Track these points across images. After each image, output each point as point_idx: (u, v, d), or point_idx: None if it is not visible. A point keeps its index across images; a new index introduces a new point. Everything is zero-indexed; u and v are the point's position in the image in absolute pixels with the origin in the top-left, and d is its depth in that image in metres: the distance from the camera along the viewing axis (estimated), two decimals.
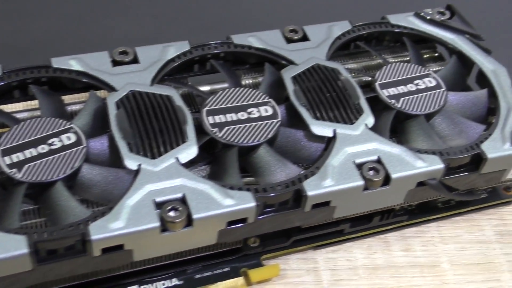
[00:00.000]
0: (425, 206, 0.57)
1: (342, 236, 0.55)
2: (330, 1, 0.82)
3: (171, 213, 0.44)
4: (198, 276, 0.50)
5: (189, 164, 0.49)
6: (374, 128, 0.52)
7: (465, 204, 0.58)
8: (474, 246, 0.56)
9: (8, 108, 0.52)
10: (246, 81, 0.58)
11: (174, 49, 0.55)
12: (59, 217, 0.44)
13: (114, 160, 0.48)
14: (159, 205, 0.44)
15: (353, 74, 0.58)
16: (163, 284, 0.50)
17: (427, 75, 0.56)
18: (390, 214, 0.55)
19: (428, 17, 0.62)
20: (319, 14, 0.76)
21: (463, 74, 0.60)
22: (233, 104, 0.51)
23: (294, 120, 0.52)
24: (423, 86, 0.55)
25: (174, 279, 0.50)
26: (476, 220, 0.58)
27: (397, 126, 0.54)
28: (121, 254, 0.44)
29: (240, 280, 0.51)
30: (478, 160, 0.52)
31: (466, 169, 0.52)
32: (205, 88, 0.57)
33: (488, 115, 0.57)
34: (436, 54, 0.63)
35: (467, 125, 0.55)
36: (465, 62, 0.60)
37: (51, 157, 0.46)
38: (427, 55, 0.63)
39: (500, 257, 0.55)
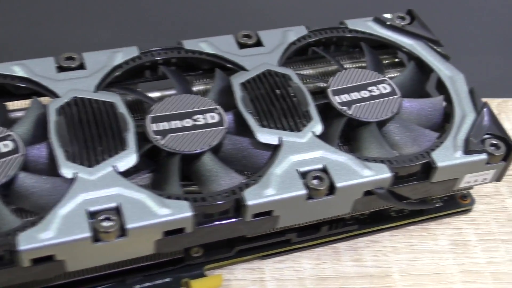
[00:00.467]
0: (378, 215, 0.56)
1: (289, 246, 0.54)
2: (289, 6, 0.81)
3: (104, 223, 0.43)
4: (137, 286, 0.49)
5: (133, 172, 0.48)
6: (324, 136, 0.51)
7: (420, 213, 0.57)
8: (427, 256, 0.55)
9: None
10: (198, 87, 0.57)
11: (122, 55, 0.54)
12: None
13: (53, 168, 0.47)
14: (92, 215, 0.44)
15: (308, 80, 0.57)
16: None
17: (382, 81, 0.55)
18: (339, 223, 0.54)
19: (388, 22, 0.60)
20: (278, 19, 0.75)
21: (421, 80, 0.59)
22: (178, 111, 0.50)
23: (242, 127, 0.51)
24: (377, 93, 0.54)
25: None
26: (430, 230, 0.57)
27: (350, 133, 0.53)
28: (53, 265, 0.43)
29: None
30: (428, 168, 0.50)
31: (417, 177, 0.51)
32: (155, 95, 0.56)
33: (445, 122, 0.56)
34: (397, 60, 0.62)
35: (421, 133, 0.54)
36: (423, 68, 0.58)
37: None
38: (388, 61, 0.62)
39: (452, 268, 0.54)
